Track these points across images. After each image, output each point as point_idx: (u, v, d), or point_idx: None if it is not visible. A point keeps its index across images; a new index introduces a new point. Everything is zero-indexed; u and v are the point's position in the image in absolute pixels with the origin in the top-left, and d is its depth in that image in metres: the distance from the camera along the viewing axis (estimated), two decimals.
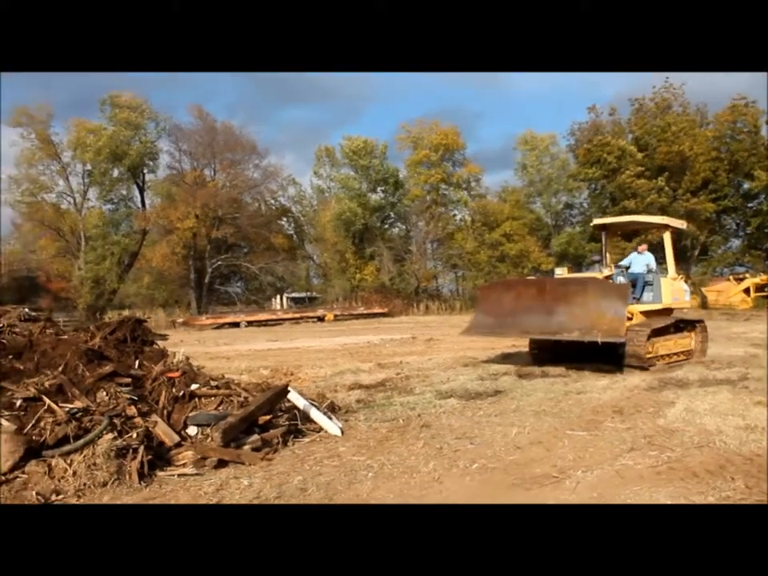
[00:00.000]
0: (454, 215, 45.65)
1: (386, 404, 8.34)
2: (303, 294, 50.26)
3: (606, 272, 11.31)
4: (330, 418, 7.10)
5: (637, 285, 11.68)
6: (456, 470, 5.33)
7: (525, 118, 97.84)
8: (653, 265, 12.01)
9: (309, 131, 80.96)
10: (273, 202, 48.60)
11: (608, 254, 12.93)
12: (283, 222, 49.49)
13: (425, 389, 9.27)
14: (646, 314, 11.42)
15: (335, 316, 36.34)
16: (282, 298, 45.33)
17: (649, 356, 10.44)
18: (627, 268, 12.16)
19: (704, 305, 32.00)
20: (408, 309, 40.53)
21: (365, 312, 38.19)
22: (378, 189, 45.95)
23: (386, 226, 47.68)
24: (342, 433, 6.78)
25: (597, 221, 13.02)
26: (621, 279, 11.53)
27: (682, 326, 11.84)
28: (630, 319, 10.64)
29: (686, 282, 12.95)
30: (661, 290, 11.63)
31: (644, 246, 12.62)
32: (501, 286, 11.80)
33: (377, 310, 38.56)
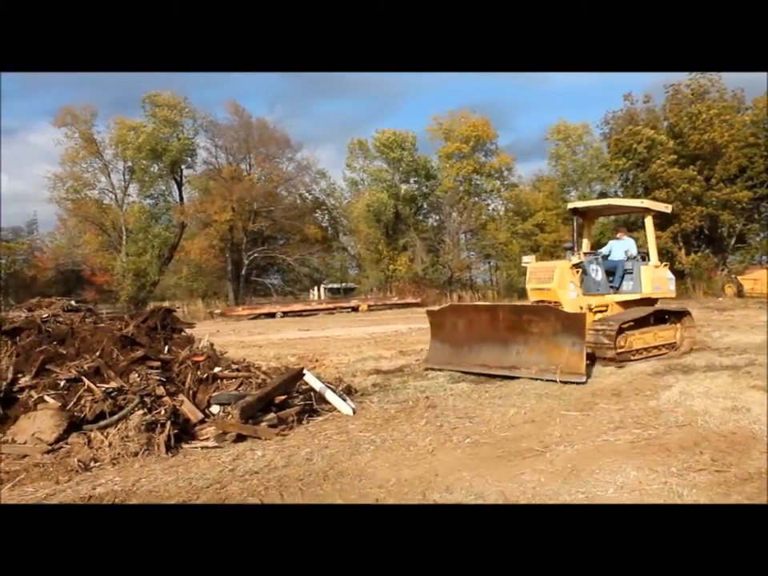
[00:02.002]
0: (487, 205, 45.84)
1: (400, 387, 8.88)
2: (339, 285, 51.08)
3: (575, 260, 10.31)
4: (345, 400, 7.66)
5: (615, 273, 11.29)
6: (449, 444, 5.86)
7: (562, 107, 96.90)
8: (633, 251, 11.49)
9: (345, 125, 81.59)
10: (307, 194, 49.37)
11: (586, 240, 12.39)
12: (318, 214, 50.20)
13: (438, 374, 9.77)
14: (624, 304, 10.94)
15: (369, 306, 36.82)
16: (319, 289, 46.15)
17: (621, 351, 9.87)
18: (606, 256, 11.66)
19: (740, 293, 31.69)
20: (441, 299, 40.83)
21: (398, 302, 38.62)
22: (411, 180, 46.34)
23: (419, 217, 48.05)
24: (354, 413, 7.32)
25: (570, 205, 12.27)
26: (594, 267, 10.80)
27: (667, 317, 11.26)
28: (604, 311, 10.51)
29: (669, 268, 12.16)
30: (641, 279, 11.14)
31: (623, 232, 12.18)
32: (451, 312, 10.64)
33: (410, 300, 38.96)
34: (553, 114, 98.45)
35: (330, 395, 7.60)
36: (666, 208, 12.93)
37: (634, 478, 4.64)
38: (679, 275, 34.56)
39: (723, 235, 36.42)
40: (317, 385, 7.70)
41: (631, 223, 37.70)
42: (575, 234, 11.67)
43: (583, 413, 6.89)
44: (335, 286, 51.23)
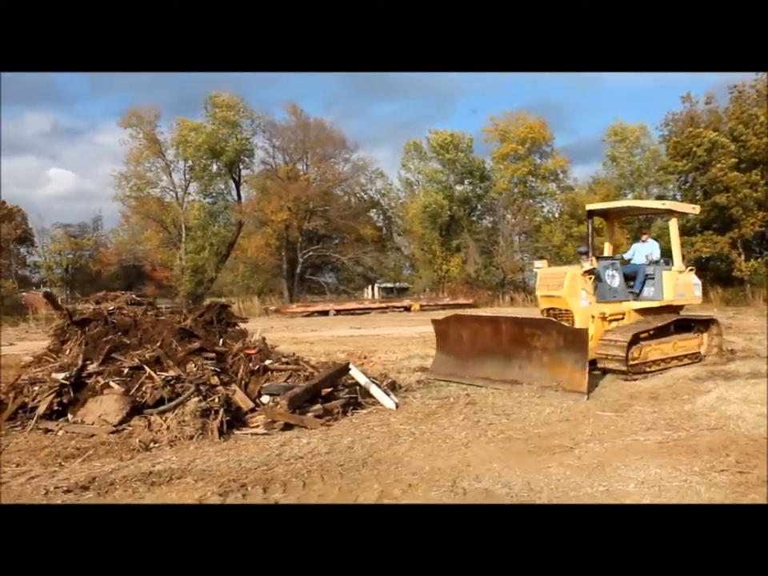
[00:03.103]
0: (542, 207, 45.62)
1: (443, 385, 9.17)
2: (392, 284, 51.51)
3: (587, 266, 9.70)
4: (388, 395, 8.00)
5: (636, 278, 10.66)
6: (483, 438, 6.16)
7: (620, 108, 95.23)
8: (656, 255, 10.86)
9: (401, 126, 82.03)
10: (362, 194, 49.92)
11: (607, 244, 12.04)
12: (372, 214, 50.73)
13: None
14: (643, 311, 10.30)
15: (421, 306, 37.08)
16: (372, 288, 46.68)
17: (634, 362, 9.33)
18: (629, 260, 11.16)
19: None
20: (493, 300, 40.87)
21: (450, 302, 38.75)
22: (465, 181, 46.43)
23: (473, 218, 48.08)
24: (397, 407, 7.67)
25: (588, 206, 11.54)
26: (610, 273, 10.20)
27: (692, 325, 10.68)
28: (620, 319, 10.05)
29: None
30: (662, 285, 10.43)
31: (647, 234, 11.57)
32: (456, 322, 10.05)
33: (462, 300, 39.06)
34: (611, 116, 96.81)
35: (374, 389, 7.95)
36: (693, 209, 12.57)
37: (655, 475, 4.86)
38: (738, 282, 33.92)
39: None
40: (362, 379, 8.07)
41: (683, 226, 37.10)
42: (591, 238, 10.96)
43: (618, 414, 7.09)
44: (388, 285, 51.68)
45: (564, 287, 9.51)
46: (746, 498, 4.39)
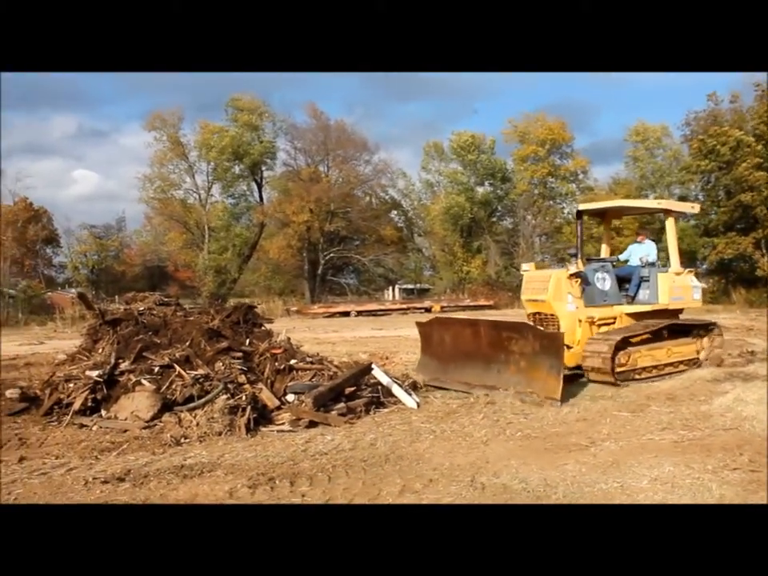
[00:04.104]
0: (562, 208, 45.56)
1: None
2: (413, 286, 51.69)
3: (572, 269, 9.32)
4: (410, 394, 8.19)
5: (631, 281, 10.32)
6: (502, 437, 6.34)
7: (640, 108, 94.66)
8: (652, 257, 10.44)
9: (421, 127, 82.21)
10: (383, 195, 50.17)
11: (605, 246, 11.65)
12: (393, 215, 50.96)
13: None
14: (636, 315, 9.98)
15: (442, 307, 37.14)
16: (393, 289, 46.90)
17: (621, 369, 9.00)
18: (625, 262, 10.87)
19: None
20: (514, 301, 40.81)
21: (471, 304, 38.87)
22: (486, 183, 46.52)
23: (494, 220, 48.14)
24: (418, 406, 7.86)
25: (581, 206, 11.28)
26: (600, 276, 9.89)
27: (689, 330, 10.36)
28: (611, 323, 9.79)
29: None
30: (657, 287, 10.15)
31: (643, 235, 11.06)
32: (438, 325, 9.92)
33: (482, 302, 39.16)
34: (630, 116, 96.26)
35: (396, 389, 8.15)
36: (692, 208, 12.15)
37: (669, 472, 5.02)
38: (762, 283, 33.60)
39: None
40: (384, 379, 8.27)
41: (705, 226, 36.81)
42: (579, 240, 10.64)
43: (634, 414, 7.23)
44: (409, 286, 51.88)
45: (548, 291, 9.27)
46: (756, 495, 4.53)
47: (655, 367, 9.60)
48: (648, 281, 10.24)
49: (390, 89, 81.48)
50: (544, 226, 43.90)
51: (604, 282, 9.93)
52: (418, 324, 10.30)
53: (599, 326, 9.61)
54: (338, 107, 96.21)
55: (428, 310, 36.51)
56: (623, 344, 9.10)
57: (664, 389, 8.72)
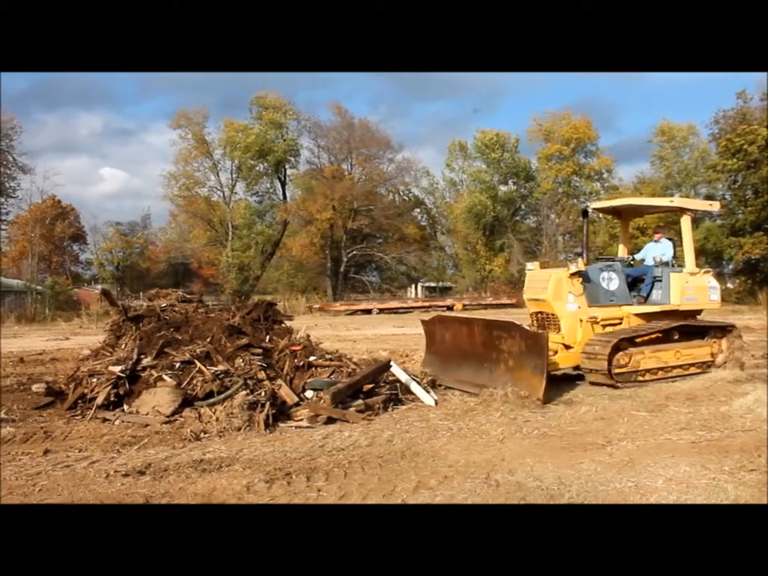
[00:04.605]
0: (586, 207, 45.19)
1: None
2: (436, 284, 51.72)
3: (573, 268, 9.16)
4: (428, 392, 8.23)
5: (645, 281, 10.11)
6: (519, 435, 6.36)
7: (666, 106, 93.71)
8: (667, 256, 10.24)
9: (445, 125, 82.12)
10: (406, 193, 50.22)
11: (622, 246, 11.32)
12: (416, 214, 51.01)
13: None
14: (645, 316, 9.72)
15: (464, 306, 37.15)
16: (416, 287, 46.97)
17: (622, 371, 8.83)
18: (641, 261, 10.61)
19: None
20: None
21: (493, 302, 38.80)
22: (509, 181, 46.39)
23: (517, 218, 47.98)
24: (436, 404, 7.89)
25: (592, 205, 11.15)
26: (607, 275, 9.70)
27: (704, 332, 10.03)
28: (618, 324, 9.58)
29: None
30: (669, 288, 9.83)
31: (660, 234, 10.70)
32: (439, 323, 9.98)
33: (505, 300, 39.05)
34: (656, 114, 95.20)
35: (414, 386, 8.19)
36: (711, 206, 11.87)
37: (684, 472, 4.99)
38: None
39: None
40: (403, 377, 8.31)
41: (732, 226, 36.27)
42: (585, 239, 10.54)
43: (652, 413, 7.20)
44: (431, 284, 51.92)
45: (548, 290, 9.20)
46: None
47: (662, 369, 9.33)
48: (661, 281, 10.00)
49: (415, 88, 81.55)
50: (567, 224, 43.65)
51: (610, 281, 9.75)
52: (423, 322, 10.37)
53: (604, 326, 9.46)
54: (362, 106, 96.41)
55: (450, 308, 36.52)
56: (625, 345, 8.95)
57: (684, 389, 8.66)
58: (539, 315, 9.64)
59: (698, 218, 43.46)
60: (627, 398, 8.03)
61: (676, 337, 9.59)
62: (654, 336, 9.36)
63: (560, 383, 9.02)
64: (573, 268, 9.20)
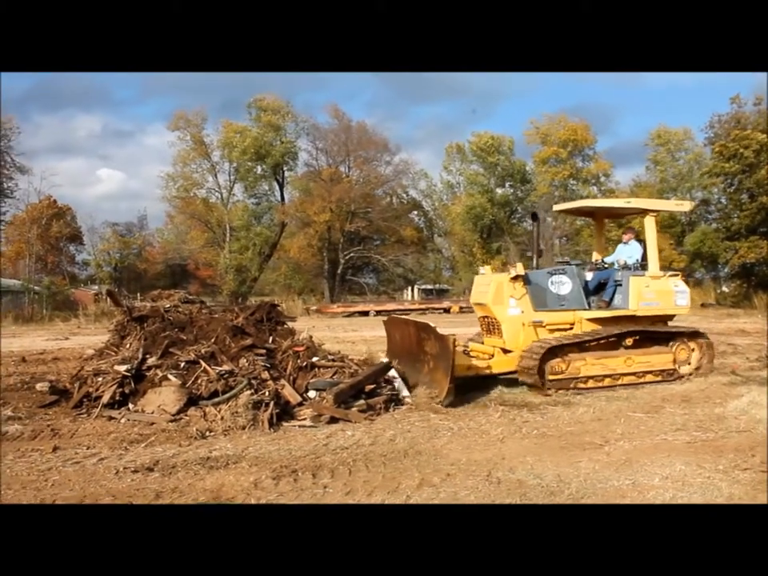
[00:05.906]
0: None
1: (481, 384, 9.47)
2: (432, 286, 51.87)
3: (513, 272, 8.99)
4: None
5: (608, 285, 9.79)
6: (518, 434, 6.50)
7: (663, 111, 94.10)
8: (632, 259, 9.95)
9: (443, 128, 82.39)
10: (404, 196, 50.38)
11: (595, 247, 11.26)
12: (413, 216, 51.20)
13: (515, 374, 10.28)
14: (599, 321, 9.39)
15: (460, 308, 37.16)
16: (412, 290, 47.10)
17: (557, 378, 8.63)
18: (610, 265, 10.19)
19: None
20: None
21: None
22: (506, 184, 46.60)
23: (514, 221, 48.18)
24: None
25: (554, 207, 10.99)
26: (557, 279, 9.44)
27: (669, 338, 9.72)
28: (568, 329, 9.33)
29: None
30: (628, 292, 9.52)
31: (629, 235, 10.39)
32: (391, 324, 10.18)
33: None
34: (653, 117, 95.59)
35: (405, 392, 8.22)
36: (680, 206, 11.65)
37: (680, 471, 5.13)
38: None
39: None
40: (397, 381, 8.41)
41: (727, 230, 36.45)
42: (536, 242, 10.34)
43: (649, 415, 7.34)
44: (428, 287, 52.09)
45: (488, 294, 9.12)
46: (765, 495, 4.63)
47: (609, 377, 9.04)
48: (622, 285, 9.69)
49: (412, 90, 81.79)
50: (564, 228, 43.84)
51: (561, 285, 9.47)
52: (384, 322, 10.56)
53: (551, 331, 9.25)
54: (360, 108, 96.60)
55: (447, 310, 36.62)
56: (563, 351, 8.76)
57: (679, 391, 8.81)
58: (485, 319, 9.57)
59: (693, 222, 43.87)
60: (624, 400, 8.18)
61: (629, 343, 9.34)
62: (602, 342, 9.17)
63: None
64: (513, 272, 9.04)
